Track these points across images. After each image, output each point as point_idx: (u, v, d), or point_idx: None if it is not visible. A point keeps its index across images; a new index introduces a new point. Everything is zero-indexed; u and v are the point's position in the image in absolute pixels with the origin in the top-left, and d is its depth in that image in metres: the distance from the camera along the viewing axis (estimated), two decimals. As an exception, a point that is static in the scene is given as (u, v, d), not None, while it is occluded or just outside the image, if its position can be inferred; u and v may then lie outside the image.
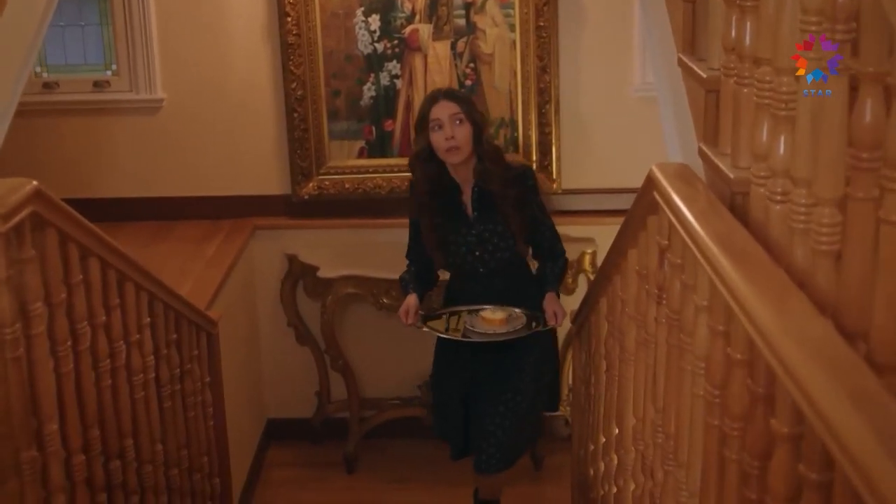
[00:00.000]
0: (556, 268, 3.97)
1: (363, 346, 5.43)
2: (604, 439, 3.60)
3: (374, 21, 5.06)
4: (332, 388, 5.50)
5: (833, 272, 1.77)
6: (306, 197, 5.25)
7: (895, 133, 1.52)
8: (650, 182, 2.55)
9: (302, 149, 5.19)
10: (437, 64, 5.09)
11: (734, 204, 2.29)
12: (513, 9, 5.02)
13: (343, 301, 5.19)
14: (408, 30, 5.08)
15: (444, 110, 3.72)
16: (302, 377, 5.49)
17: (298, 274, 5.27)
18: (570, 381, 4.70)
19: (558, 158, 5.17)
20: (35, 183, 2.47)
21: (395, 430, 5.45)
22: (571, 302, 4.60)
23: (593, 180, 5.25)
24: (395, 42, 5.09)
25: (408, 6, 5.04)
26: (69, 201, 2.77)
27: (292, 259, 5.26)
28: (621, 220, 3.11)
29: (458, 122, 3.72)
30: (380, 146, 5.23)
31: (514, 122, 5.13)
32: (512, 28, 5.05)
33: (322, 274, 5.10)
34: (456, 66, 5.09)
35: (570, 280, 5.01)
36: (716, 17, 2.52)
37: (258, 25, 5.13)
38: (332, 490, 5.22)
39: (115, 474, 3.07)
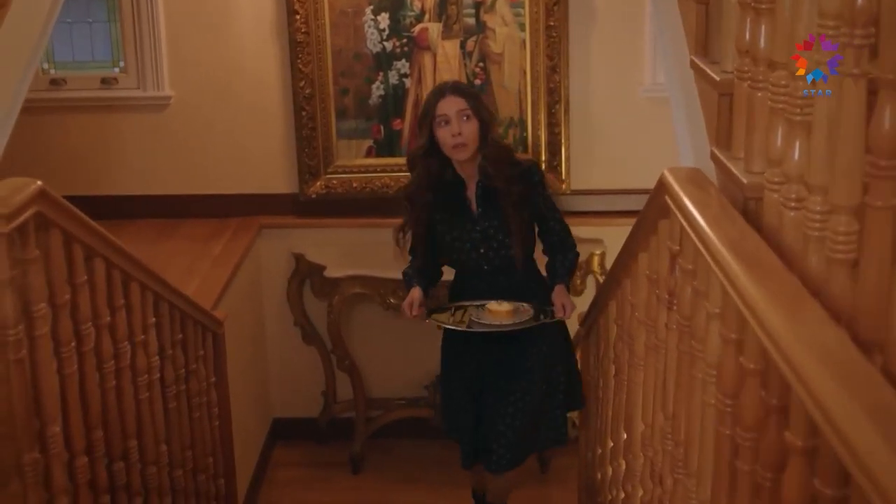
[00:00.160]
0: (567, 261, 3.85)
1: (370, 345, 5.41)
2: (612, 443, 3.58)
3: (384, 19, 5.03)
4: (338, 388, 5.48)
5: (848, 281, 1.74)
6: (314, 196, 5.22)
7: (915, 141, 1.49)
8: (662, 186, 2.52)
9: (310, 147, 5.16)
10: (446, 63, 5.06)
11: (747, 209, 2.26)
12: (523, 8, 4.99)
13: (350, 301, 5.16)
14: (417, 28, 5.05)
15: (451, 106, 3.63)
16: (308, 377, 5.47)
17: (305, 273, 5.25)
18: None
19: (567, 159, 5.14)
20: (39, 183, 2.45)
21: (401, 431, 5.42)
22: (579, 303, 4.55)
23: (602, 181, 5.22)
24: (405, 41, 5.06)
25: (417, 5, 5.01)
26: (75, 198, 2.75)
27: (299, 258, 5.24)
28: (631, 221, 3.08)
29: (465, 118, 3.64)
30: (388, 145, 5.21)
31: (523, 122, 5.10)
32: (522, 27, 5.02)
33: (329, 273, 5.08)
34: (465, 65, 5.05)
35: (578, 281, 4.99)
36: (729, 19, 2.48)
37: (266, 23, 5.10)
38: (337, 490, 5.20)
39: (118, 476, 3.04)
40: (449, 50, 5.08)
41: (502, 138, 3.99)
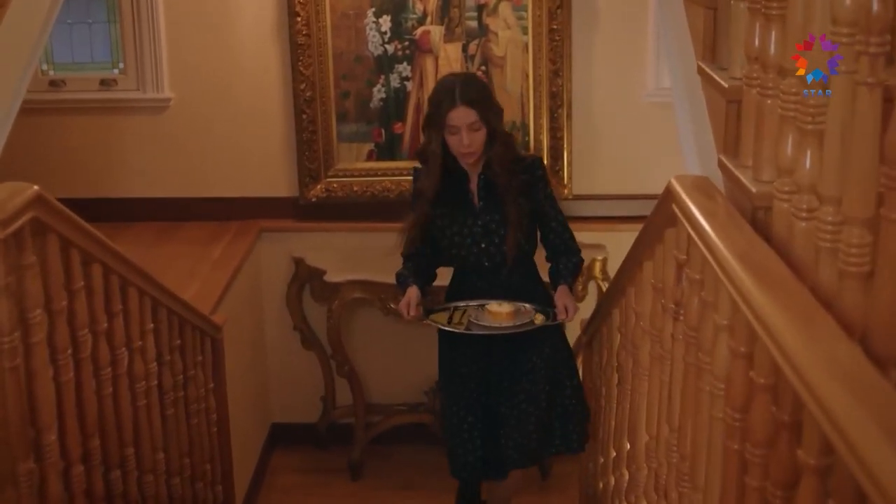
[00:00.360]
0: (571, 263, 3.76)
1: (370, 351, 5.37)
2: (614, 453, 3.54)
3: (385, 22, 4.99)
4: (337, 393, 5.44)
5: (861, 294, 1.70)
6: (314, 199, 5.19)
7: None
8: (669, 194, 2.48)
9: (310, 150, 5.13)
10: (448, 66, 5.02)
11: (755, 219, 2.22)
12: (526, 11, 4.96)
13: (350, 305, 5.13)
14: (419, 31, 5.01)
15: (461, 118, 3.58)
16: (307, 381, 5.43)
17: (305, 277, 5.22)
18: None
19: (570, 164, 5.11)
20: (36, 188, 2.41)
21: (401, 437, 5.39)
22: (580, 309, 4.51)
23: (605, 186, 5.19)
24: (406, 43, 5.03)
25: (419, 7, 4.98)
26: (74, 201, 2.72)
27: (299, 262, 5.20)
28: (633, 226, 3.04)
29: (474, 129, 3.62)
30: (389, 149, 5.17)
31: (525, 126, 5.06)
32: (524, 31, 4.99)
33: (329, 278, 5.04)
34: (467, 68, 5.01)
35: (580, 287, 4.95)
36: (738, 25, 2.44)
37: (267, 25, 5.07)
38: (336, 496, 5.16)
39: (115, 484, 3.00)
40: (451, 53, 5.04)
41: (509, 133, 3.87)
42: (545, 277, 3.86)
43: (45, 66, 5.18)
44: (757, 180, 2.22)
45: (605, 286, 4.92)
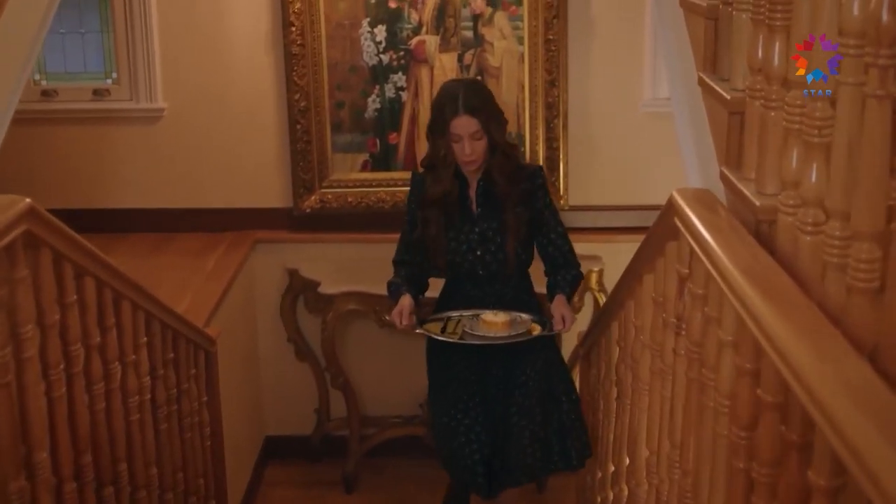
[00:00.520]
0: (570, 275, 3.72)
1: (364, 363, 5.33)
2: (613, 468, 3.50)
3: (380, 32, 4.96)
4: (331, 406, 5.40)
5: (871, 311, 1.67)
6: (308, 210, 5.15)
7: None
8: (671, 207, 2.44)
9: (304, 161, 5.09)
10: (443, 76, 4.98)
11: (759, 232, 2.18)
12: (522, 21, 4.94)
13: (344, 317, 5.09)
14: (414, 41, 4.99)
15: (464, 127, 3.56)
16: (301, 394, 5.38)
17: (299, 289, 5.18)
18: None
19: (566, 174, 5.08)
20: (28, 200, 2.37)
21: (395, 449, 5.34)
22: (577, 321, 4.48)
23: (601, 197, 5.16)
24: (401, 53, 5.00)
25: (415, 17, 4.95)
26: (67, 212, 2.68)
27: (293, 273, 5.16)
28: (630, 237, 3.02)
29: (476, 138, 3.59)
30: (384, 159, 5.14)
31: (521, 137, 5.03)
32: (520, 41, 4.96)
33: (323, 289, 5.01)
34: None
35: (576, 298, 4.91)
36: (740, 36, 2.41)
37: (261, 35, 5.04)
38: (330, 510, 5.12)
39: (108, 501, 2.96)
40: (446, 63, 5.02)
41: (512, 144, 3.83)
42: (538, 288, 3.82)
43: (37, 76, 5.14)
44: (761, 193, 2.19)
45: (601, 297, 4.90)
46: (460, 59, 5.00)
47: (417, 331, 3.69)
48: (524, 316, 3.65)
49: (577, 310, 4.88)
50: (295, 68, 4.97)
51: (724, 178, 2.43)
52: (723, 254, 2.04)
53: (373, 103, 5.06)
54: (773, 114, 2.13)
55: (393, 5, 4.94)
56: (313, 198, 5.14)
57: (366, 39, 4.98)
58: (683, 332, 2.42)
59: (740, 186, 2.28)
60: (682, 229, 2.33)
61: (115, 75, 5.14)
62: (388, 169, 5.15)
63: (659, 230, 2.65)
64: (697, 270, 2.28)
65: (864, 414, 1.38)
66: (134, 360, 3.13)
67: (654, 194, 4.48)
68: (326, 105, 5.05)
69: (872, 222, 1.64)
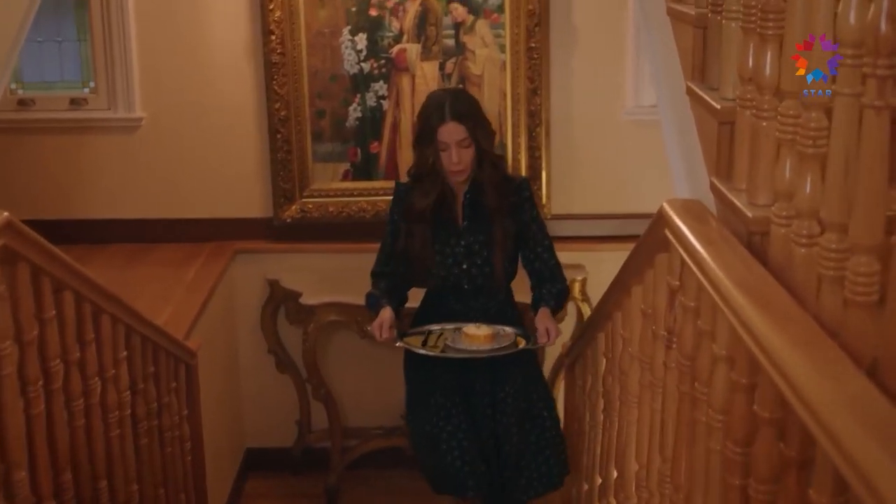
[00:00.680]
0: (555, 289, 3.68)
1: (346, 374, 5.28)
2: (600, 480, 3.46)
3: (361, 40, 4.92)
4: (313, 417, 5.34)
5: (869, 324, 1.64)
6: (289, 220, 5.10)
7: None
8: (661, 219, 2.41)
9: (285, 171, 5.04)
10: (424, 85, 4.95)
11: (751, 244, 2.16)
12: (503, 29, 4.91)
13: (326, 328, 5.04)
14: (395, 49, 4.95)
15: (451, 135, 3.52)
16: (282, 405, 5.33)
17: (280, 300, 5.13)
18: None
19: (548, 183, 5.05)
20: (6, 214, 2.32)
21: (378, 461, 5.29)
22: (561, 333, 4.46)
23: (584, 206, 5.14)
24: (382, 62, 4.96)
25: (396, 25, 4.91)
26: (44, 222, 2.63)
27: (274, 284, 5.11)
28: (612, 246, 2.99)
29: (464, 146, 3.55)
30: (365, 169, 5.10)
31: (503, 146, 4.99)
32: (502, 49, 4.93)
33: (304, 300, 4.96)
34: (445, 87, 4.94)
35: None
36: (730, 45, 2.39)
37: (241, 43, 4.99)
38: (312, 523, 5.07)
39: (87, 519, 2.91)
40: (428, 71, 4.98)
41: (499, 155, 3.79)
42: (518, 298, 3.79)
43: (13, 85, 5.07)
44: (752, 204, 2.16)
45: (584, 307, 4.87)
46: (442, 67, 4.96)
47: (398, 344, 3.63)
48: (507, 329, 3.61)
49: (560, 319, 4.84)
50: (275, 77, 4.92)
51: (714, 188, 2.40)
52: (715, 265, 2.01)
53: (354, 112, 5.02)
54: (764, 124, 2.11)
55: (374, 13, 4.90)
56: (294, 207, 5.10)
57: (346, 48, 4.94)
58: (674, 346, 2.38)
59: (731, 197, 2.26)
60: (673, 241, 2.30)
61: (92, 84, 5.08)
62: (369, 178, 5.11)
63: (648, 241, 2.62)
64: (689, 282, 2.25)
65: (866, 430, 1.35)
66: (114, 375, 3.08)
67: (637, 202, 4.47)
68: (307, 114, 5.00)
69: (871, 235, 1.61)
